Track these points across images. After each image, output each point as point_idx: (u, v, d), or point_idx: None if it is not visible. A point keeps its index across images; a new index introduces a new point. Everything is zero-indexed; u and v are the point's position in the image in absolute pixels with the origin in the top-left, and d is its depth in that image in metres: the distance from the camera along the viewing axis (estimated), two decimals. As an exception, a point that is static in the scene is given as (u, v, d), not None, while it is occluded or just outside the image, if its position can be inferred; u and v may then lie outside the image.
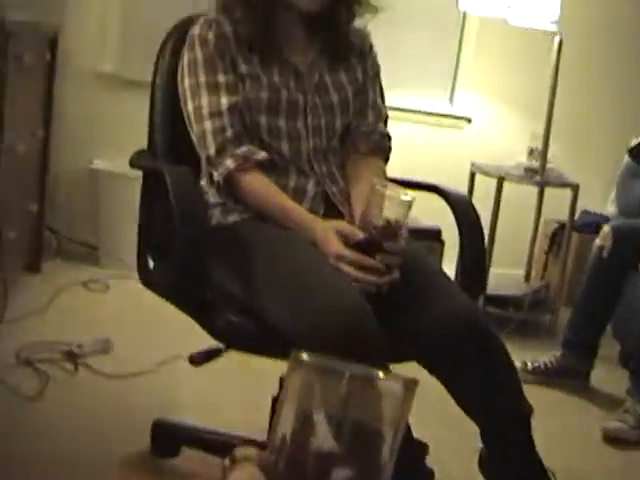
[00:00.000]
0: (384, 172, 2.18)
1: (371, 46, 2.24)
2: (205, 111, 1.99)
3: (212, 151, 1.97)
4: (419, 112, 4.42)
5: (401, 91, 4.41)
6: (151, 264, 2.13)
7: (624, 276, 3.14)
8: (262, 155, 1.98)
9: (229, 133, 1.98)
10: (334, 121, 2.11)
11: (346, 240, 1.80)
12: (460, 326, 1.80)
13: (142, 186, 2.19)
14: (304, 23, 2.10)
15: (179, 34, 2.20)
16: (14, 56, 2.81)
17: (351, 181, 2.11)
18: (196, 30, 2.04)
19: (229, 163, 1.96)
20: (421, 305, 1.84)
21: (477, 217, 2.17)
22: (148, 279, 2.11)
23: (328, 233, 1.83)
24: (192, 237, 1.85)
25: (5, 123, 2.48)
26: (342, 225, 1.86)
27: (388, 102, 4.29)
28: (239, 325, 1.88)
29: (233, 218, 2.01)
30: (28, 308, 3.24)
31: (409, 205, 1.77)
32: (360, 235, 1.80)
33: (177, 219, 1.84)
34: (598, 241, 3.21)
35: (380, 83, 2.27)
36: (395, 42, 4.37)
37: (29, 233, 3.63)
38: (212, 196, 2.06)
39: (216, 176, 1.98)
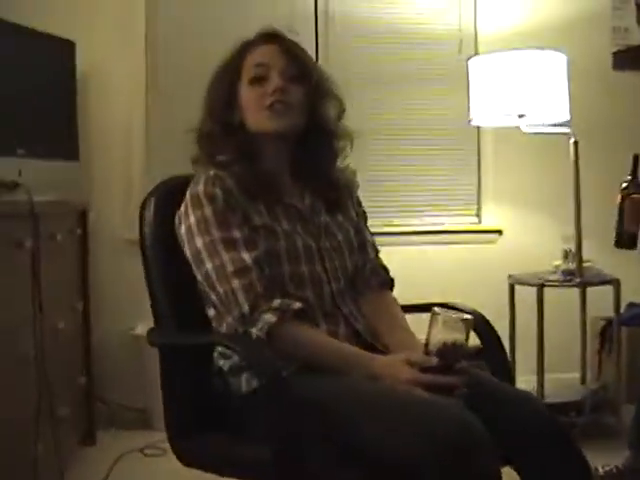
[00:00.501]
0: (398, 303, 2.22)
1: (354, 184, 2.28)
2: (230, 269, 1.91)
3: (246, 308, 1.89)
4: (448, 232, 4.46)
5: (427, 214, 4.47)
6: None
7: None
8: (297, 305, 1.91)
9: (259, 288, 1.90)
10: (345, 261, 2.12)
11: (417, 367, 1.79)
12: (543, 428, 1.83)
13: (162, 364, 2.11)
14: (290, 169, 2.14)
15: (160, 194, 2.17)
16: (46, 236, 2.87)
17: (375, 317, 2.13)
18: (200, 187, 1.99)
19: (268, 317, 1.87)
20: (502, 413, 1.83)
21: (494, 331, 2.21)
22: (188, 458, 2.05)
23: (397, 363, 1.81)
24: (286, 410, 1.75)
25: (44, 303, 2.52)
26: (410, 354, 1.84)
27: (417, 227, 4.36)
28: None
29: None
30: (88, 482, 3.22)
31: (471, 324, 1.78)
32: (431, 360, 1.78)
33: (267, 392, 1.78)
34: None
35: (366, 220, 2.32)
36: (415, 165, 4.46)
37: (80, 406, 3.64)
38: (238, 359, 1.98)
39: (255, 332, 1.87)
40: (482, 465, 1.57)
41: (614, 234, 3.39)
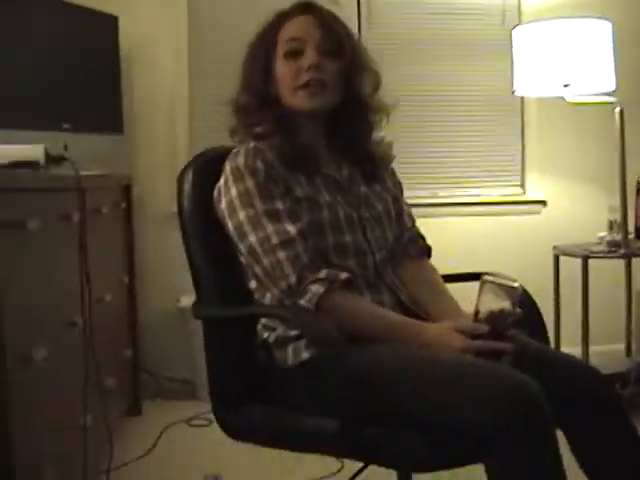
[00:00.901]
0: (437, 271, 2.23)
1: (390, 156, 2.26)
2: (274, 241, 1.90)
3: (293, 279, 1.88)
4: (493, 203, 4.44)
5: (472, 185, 4.45)
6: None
7: None
8: (344, 275, 1.91)
9: (305, 259, 1.89)
10: (385, 231, 2.12)
11: (469, 335, 1.79)
12: (596, 388, 1.85)
13: (206, 337, 2.10)
14: (326, 142, 2.13)
15: (198, 165, 2.14)
16: (92, 210, 2.91)
17: (415, 286, 2.14)
18: (241, 160, 1.97)
19: (316, 288, 1.86)
20: (553, 374, 1.84)
21: (533, 302, 2.19)
22: (234, 432, 2.05)
23: (448, 331, 1.82)
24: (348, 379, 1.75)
25: (91, 275, 2.55)
26: (459, 322, 1.85)
27: (460, 199, 4.35)
28: (413, 443, 1.72)
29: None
30: (134, 452, 3.27)
31: (519, 291, 1.79)
32: (482, 328, 1.79)
33: (329, 365, 1.78)
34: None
35: (402, 190, 2.31)
36: (459, 137, 4.44)
37: (127, 378, 3.69)
38: (283, 331, 1.98)
39: (303, 304, 1.86)
40: (540, 423, 1.58)
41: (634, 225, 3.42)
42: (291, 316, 1.93)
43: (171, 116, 4.22)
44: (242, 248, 1.97)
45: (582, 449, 1.85)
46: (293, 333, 1.96)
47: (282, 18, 2.10)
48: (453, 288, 2.19)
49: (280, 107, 2.07)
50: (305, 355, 1.93)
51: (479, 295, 1.81)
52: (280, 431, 1.95)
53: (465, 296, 2.06)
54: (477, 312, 1.81)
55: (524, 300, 2.18)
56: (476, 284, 1.91)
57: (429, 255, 2.27)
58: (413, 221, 2.29)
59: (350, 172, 2.14)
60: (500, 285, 1.79)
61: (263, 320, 2.05)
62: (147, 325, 4.05)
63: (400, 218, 2.23)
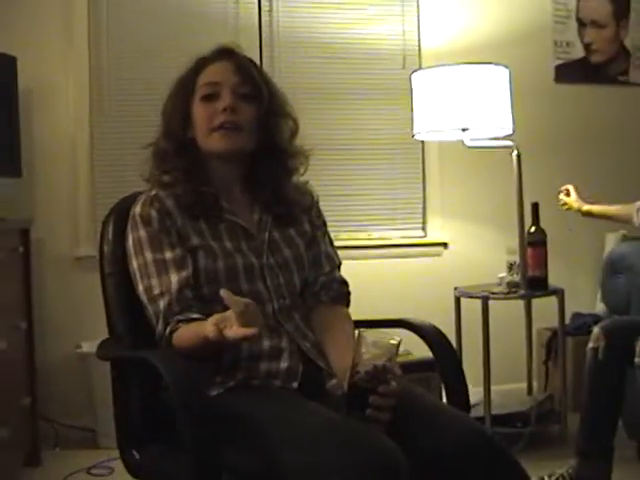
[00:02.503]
0: (349, 317, 2.20)
1: (314, 199, 2.27)
2: (156, 291, 1.96)
3: (160, 327, 1.95)
4: (395, 245, 4.48)
5: (374, 228, 4.49)
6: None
7: (623, 373, 3.12)
8: (197, 315, 1.93)
9: (176, 309, 1.94)
10: (292, 278, 2.11)
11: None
12: (474, 446, 1.79)
13: (113, 377, 2.12)
14: (241, 184, 2.14)
15: (119, 213, 2.17)
16: (-14, 255, 2.83)
17: (322, 333, 2.11)
18: (137, 209, 2.03)
19: (162, 329, 1.94)
20: (431, 433, 1.82)
21: (448, 341, 2.21)
22: (138, 471, 2.04)
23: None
24: (204, 424, 1.73)
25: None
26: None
27: (362, 242, 4.39)
28: None
29: (216, 391, 1.94)
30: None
31: (396, 347, 1.78)
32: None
33: (183, 408, 1.75)
34: (590, 344, 3.19)
35: (328, 232, 2.29)
36: (361, 180, 4.48)
37: (25, 427, 3.58)
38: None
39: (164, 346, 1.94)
40: None
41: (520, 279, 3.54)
42: (156, 360, 1.87)
43: (72, 158, 4.16)
44: (138, 294, 2.01)
45: None
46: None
47: (201, 63, 2.12)
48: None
49: (196, 151, 2.09)
50: (212, 392, 1.93)
51: (357, 348, 1.80)
52: (171, 473, 1.93)
53: None
54: (355, 365, 1.78)
55: (437, 341, 2.20)
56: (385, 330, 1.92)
57: (347, 301, 2.24)
58: (334, 265, 2.25)
59: (261, 217, 2.13)
60: (379, 340, 1.78)
61: None
62: (46, 372, 3.95)
63: (317, 262, 2.20)
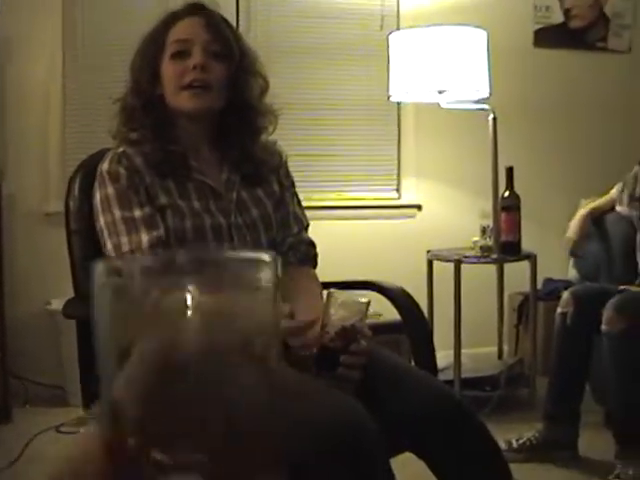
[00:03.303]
0: (317, 278, 2.19)
1: (283, 159, 2.25)
2: (125, 248, 1.93)
3: None
4: (369, 207, 4.47)
5: (348, 188, 4.47)
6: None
7: (591, 339, 3.14)
8: None
9: None
10: (259, 238, 2.09)
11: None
12: (442, 410, 1.81)
13: (78, 337, 2.11)
14: (209, 142, 2.12)
15: (87, 169, 2.16)
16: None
17: (287, 293, 2.10)
18: (105, 166, 1.99)
19: None
20: (399, 395, 1.84)
21: (416, 304, 2.22)
22: None
23: None
24: None
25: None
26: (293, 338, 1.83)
27: (336, 202, 4.37)
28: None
29: None
30: (1, 460, 3.16)
31: (366, 307, 1.79)
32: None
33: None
34: (560, 308, 3.21)
35: (296, 193, 2.28)
36: (336, 140, 4.46)
37: (-6, 384, 3.57)
38: None
39: None
40: (365, 455, 1.58)
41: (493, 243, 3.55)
42: None
43: (43, 112, 4.11)
44: (105, 253, 1.97)
45: (439, 471, 1.85)
46: None
47: (171, 19, 2.08)
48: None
49: (163, 109, 2.05)
50: None
51: (326, 309, 1.80)
52: None
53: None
54: (324, 325, 1.79)
55: (406, 303, 2.20)
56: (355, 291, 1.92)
57: (314, 263, 2.23)
58: (302, 226, 2.24)
59: (229, 176, 2.11)
60: (349, 300, 1.79)
61: None
62: (16, 329, 3.92)
63: (285, 223, 2.19)
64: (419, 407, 1.81)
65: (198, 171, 2.07)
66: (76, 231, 2.15)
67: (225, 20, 2.13)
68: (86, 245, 2.13)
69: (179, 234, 1.97)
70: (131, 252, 1.92)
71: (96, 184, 2.00)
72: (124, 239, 1.93)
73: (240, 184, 2.12)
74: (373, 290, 2.30)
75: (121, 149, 2.01)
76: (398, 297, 2.24)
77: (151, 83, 2.06)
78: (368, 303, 1.79)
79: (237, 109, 2.10)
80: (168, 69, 2.04)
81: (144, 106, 2.05)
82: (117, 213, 1.95)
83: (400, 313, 2.22)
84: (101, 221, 1.97)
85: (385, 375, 1.89)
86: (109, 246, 1.95)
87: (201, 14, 2.07)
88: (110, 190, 1.96)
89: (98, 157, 2.13)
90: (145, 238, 1.93)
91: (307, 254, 2.21)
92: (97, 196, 1.99)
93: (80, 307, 2.11)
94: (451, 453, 1.83)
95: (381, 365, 1.91)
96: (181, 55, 2.03)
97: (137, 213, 1.94)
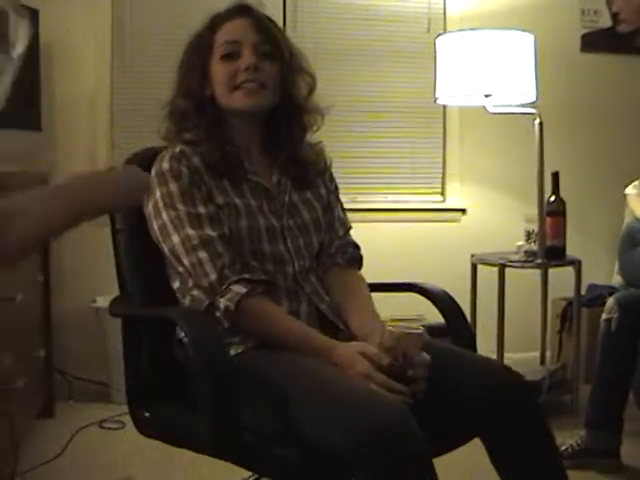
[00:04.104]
0: (364, 280, 2.21)
1: (328, 164, 2.26)
2: (195, 241, 1.93)
3: (214, 277, 1.90)
4: (413, 210, 4.47)
5: (393, 191, 4.47)
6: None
7: (636, 346, 3.11)
8: (264, 277, 1.95)
9: (226, 259, 1.92)
10: (311, 240, 2.11)
11: (372, 362, 1.78)
12: (513, 396, 1.86)
13: (124, 334, 2.14)
14: (259, 143, 2.13)
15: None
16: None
17: (340, 295, 2.12)
18: (165, 165, 1.99)
19: (238, 288, 1.88)
20: (465, 380, 1.87)
21: (459, 307, 2.23)
22: (148, 429, 2.06)
23: (354, 355, 1.80)
24: (225, 383, 1.75)
25: (1, 273, 2.49)
26: (366, 347, 1.83)
27: (380, 205, 4.37)
28: (286, 458, 1.74)
29: (235, 350, 1.94)
30: (44, 456, 3.20)
31: (422, 338, 1.81)
32: (385, 359, 1.79)
33: (204, 367, 1.78)
34: (604, 315, 3.19)
35: (339, 197, 2.29)
36: (381, 143, 4.46)
37: (40, 379, 3.61)
38: None
39: (223, 302, 1.88)
40: (406, 457, 1.58)
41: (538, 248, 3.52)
42: (179, 319, 1.93)
43: (92, 114, 4.15)
44: (165, 249, 1.98)
45: (501, 458, 1.86)
46: None
47: (218, 21, 2.10)
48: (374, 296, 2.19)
49: (216, 110, 2.08)
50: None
51: (382, 339, 1.81)
52: (183, 431, 1.95)
53: (381, 305, 2.10)
54: (381, 342, 1.81)
55: (450, 307, 2.21)
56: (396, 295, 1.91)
57: (360, 265, 2.25)
58: (346, 229, 2.26)
59: (280, 178, 2.13)
60: (406, 334, 1.80)
61: None
62: (62, 325, 3.97)
63: (331, 226, 2.21)
64: (495, 390, 1.85)
65: (252, 172, 2.09)
66: (121, 230, 2.16)
67: (272, 20, 2.15)
68: (131, 244, 2.14)
69: (235, 233, 1.98)
70: (202, 243, 1.92)
71: (154, 183, 1.99)
72: (191, 232, 1.93)
73: (291, 187, 2.14)
74: (415, 292, 2.30)
75: (178, 149, 2.02)
76: (441, 299, 2.24)
77: (201, 85, 2.08)
78: (424, 333, 1.82)
79: (287, 108, 2.13)
80: (219, 70, 2.06)
81: (196, 108, 2.08)
82: (182, 209, 1.95)
83: (443, 315, 2.22)
84: (164, 217, 1.97)
85: (451, 361, 1.92)
86: (175, 240, 1.95)
87: (248, 15, 2.10)
88: (173, 187, 1.97)
89: (142, 155, 2.17)
90: (213, 233, 1.94)
91: (354, 256, 2.23)
92: (157, 194, 1.98)
93: (126, 306, 2.15)
94: (520, 444, 1.84)
95: (446, 353, 1.95)
96: (231, 56, 2.06)
97: (201, 210, 1.96)
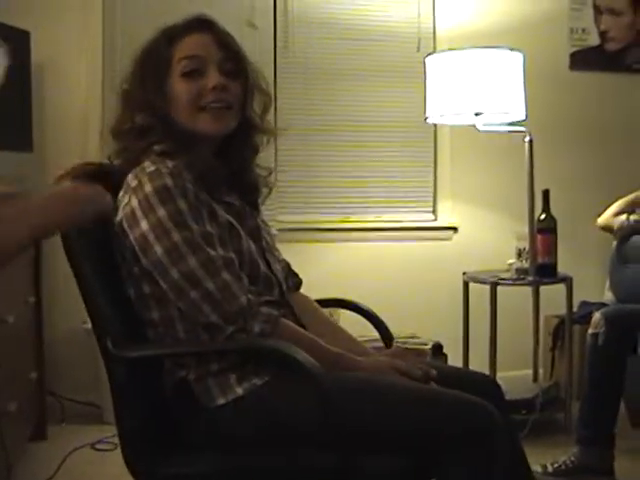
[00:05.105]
0: (312, 300, 2.22)
1: (272, 183, 2.17)
2: (219, 262, 1.80)
3: (244, 300, 1.79)
4: (405, 229, 4.47)
5: (384, 209, 4.48)
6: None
7: (625, 361, 3.11)
8: (275, 299, 1.95)
9: (246, 281, 1.85)
10: (277, 262, 2.08)
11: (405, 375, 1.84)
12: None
13: (114, 382, 1.95)
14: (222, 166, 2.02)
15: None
16: None
17: (305, 318, 2.08)
18: (168, 181, 1.80)
19: (268, 311, 1.81)
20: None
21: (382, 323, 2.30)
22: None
23: (383, 366, 1.85)
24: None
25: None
26: (396, 362, 1.87)
27: (372, 224, 4.37)
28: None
29: (259, 381, 1.84)
30: (38, 477, 3.19)
31: (426, 354, 1.90)
32: (416, 372, 1.85)
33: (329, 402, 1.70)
34: (591, 329, 3.20)
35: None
36: (373, 161, 4.48)
37: (31, 401, 3.59)
38: (202, 367, 1.86)
39: (258, 325, 1.78)
40: (501, 442, 1.70)
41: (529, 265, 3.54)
42: (274, 350, 1.79)
43: (84, 136, 4.14)
44: (174, 273, 1.80)
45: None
46: (214, 368, 1.85)
47: (176, 34, 1.99)
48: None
49: (178, 128, 1.95)
50: (239, 391, 1.83)
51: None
52: (224, 474, 1.85)
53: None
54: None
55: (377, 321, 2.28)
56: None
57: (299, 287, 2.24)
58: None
59: (241, 202, 2.04)
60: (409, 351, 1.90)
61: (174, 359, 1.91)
62: (54, 347, 3.96)
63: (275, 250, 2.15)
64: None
65: (224, 194, 2.00)
66: (86, 258, 2.00)
67: (231, 36, 2.03)
68: (100, 276, 1.98)
69: (238, 255, 1.90)
70: (225, 266, 1.81)
71: (154, 200, 1.81)
72: (214, 253, 1.81)
73: (249, 211, 2.06)
74: (345, 308, 2.39)
75: (170, 163, 1.85)
76: (370, 315, 2.31)
77: (160, 100, 1.95)
78: (429, 350, 1.91)
79: (243, 128, 2.03)
80: (181, 88, 1.94)
81: (162, 124, 1.95)
82: (195, 228, 1.81)
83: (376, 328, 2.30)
84: (175, 238, 1.79)
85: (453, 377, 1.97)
86: (192, 263, 1.79)
87: (209, 30, 1.98)
88: (183, 205, 1.81)
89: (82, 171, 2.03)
90: (231, 254, 1.85)
91: (299, 280, 2.23)
92: (161, 213, 1.80)
93: (134, 348, 1.95)
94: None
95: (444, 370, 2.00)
96: (192, 74, 1.94)
97: (210, 229, 1.84)
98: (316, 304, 2.20)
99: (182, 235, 1.79)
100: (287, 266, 2.19)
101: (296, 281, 2.19)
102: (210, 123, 1.94)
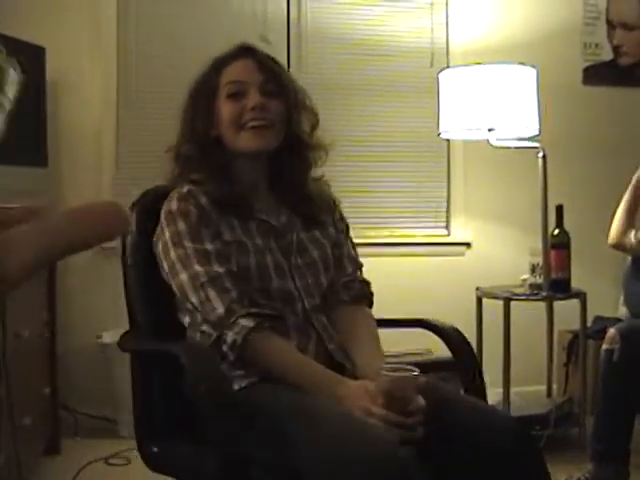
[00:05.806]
0: (372, 317, 2.19)
1: (336, 203, 2.27)
2: (204, 279, 1.94)
3: (221, 311, 1.90)
4: (418, 244, 4.47)
5: (398, 225, 4.48)
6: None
7: (639, 376, 3.10)
8: (272, 312, 1.95)
9: (234, 294, 1.93)
10: (319, 278, 2.11)
11: (374, 400, 1.77)
12: (507, 436, 1.80)
13: (133, 369, 2.15)
14: (267, 181, 2.15)
15: (143, 205, 2.19)
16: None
17: (345, 333, 2.10)
18: (174, 205, 2.02)
19: (246, 322, 1.89)
20: (465, 427, 1.83)
21: (467, 343, 2.23)
22: (156, 464, 2.06)
23: (359, 392, 1.80)
24: (230, 419, 1.77)
25: (8, 310, 2.49)
26: (369, 385, 1.82)
27: (385, 239, 4.37)
28: None
29: (239, 384, 1.95)
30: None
31: (417, 380, 1.79)
32: (379, 399, 1.78)
33: (211, 404, 1.77)
34: (605, 345, 3.19)
35: (350, 235, 2.29)
36: (386, 177, 4.48)
37: (45, 415, 3.60)
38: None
39: (231, 336, 1.88)
40: None
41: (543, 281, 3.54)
42: (181, 354, 1.88)
43: (98, 151, 4.18)
44: (174, 286, 1.99)
45: None
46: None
47: (221, 63, 2.13)
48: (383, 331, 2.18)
49: (221, 150, 2.10)
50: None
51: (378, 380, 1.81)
52: (191, 466, 1.94)
53: (393, 339, 2.14)
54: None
55: (457, 342, 2.20)
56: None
57: (369, 301, 2.23)
58: (357, 266, 2.24)
59: (289, 218, 2.14)
60: (398, 377, 1.80)
61: None
62: (67, 361, 3.97)
63: (340, 264, 2.20)
64: (489, 438, 1.80)
65: (259, 210, 2.10)
66: (132, 265, 2.17)
67: (273, 59, 2.17)
68: (142, 279, 2.16)
69: (243, 270, 1.99)
70: (209, 281, 1.94)
71: (163, 223, 2.03)
72: (199, 269, 1.95)
73: (300, 225, 2.15)
74: (424, 328, 2.31)
75: (186, 188, 2.04)
76: (449, 335, 2.24)
77: (206, 127, 2.10)
78: (419, 375, 1.81)
79: (291, 145, 2.14)
80: (226, 109, 2.08)
81: (201, 152, 2.10)
82: (189, 246, 1.97)
83: (451, 351, 2.22)
84: (172, 256, 1.99)
85: (451, 406, 1.89)
86: (183, 278, 1.96)
87: (251, 56, 2.13)
88: (181, 226, 1.99)
89: (153, 193, 2.19)
90: (221, 270, 1.95)
91: (361, 292, 2.21)
92: (166, 234, 2.01)
93: (134, 340, 2.16)
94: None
95: (448, 398, 1.92)
96: (236, 96, 2.07)
97: (209, 247, 1.97)
98: (363, 321, 2.15)
99: (177, 253, 1.98)
100: (349, 280, 2.19)
101: (352, 294, 2.18)
102: (251, 141, 2.07)
